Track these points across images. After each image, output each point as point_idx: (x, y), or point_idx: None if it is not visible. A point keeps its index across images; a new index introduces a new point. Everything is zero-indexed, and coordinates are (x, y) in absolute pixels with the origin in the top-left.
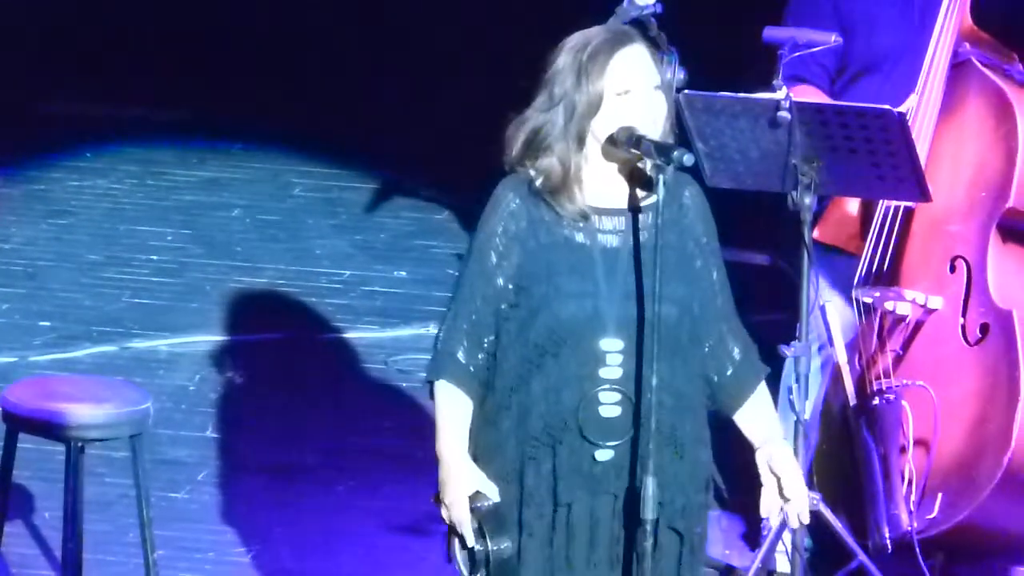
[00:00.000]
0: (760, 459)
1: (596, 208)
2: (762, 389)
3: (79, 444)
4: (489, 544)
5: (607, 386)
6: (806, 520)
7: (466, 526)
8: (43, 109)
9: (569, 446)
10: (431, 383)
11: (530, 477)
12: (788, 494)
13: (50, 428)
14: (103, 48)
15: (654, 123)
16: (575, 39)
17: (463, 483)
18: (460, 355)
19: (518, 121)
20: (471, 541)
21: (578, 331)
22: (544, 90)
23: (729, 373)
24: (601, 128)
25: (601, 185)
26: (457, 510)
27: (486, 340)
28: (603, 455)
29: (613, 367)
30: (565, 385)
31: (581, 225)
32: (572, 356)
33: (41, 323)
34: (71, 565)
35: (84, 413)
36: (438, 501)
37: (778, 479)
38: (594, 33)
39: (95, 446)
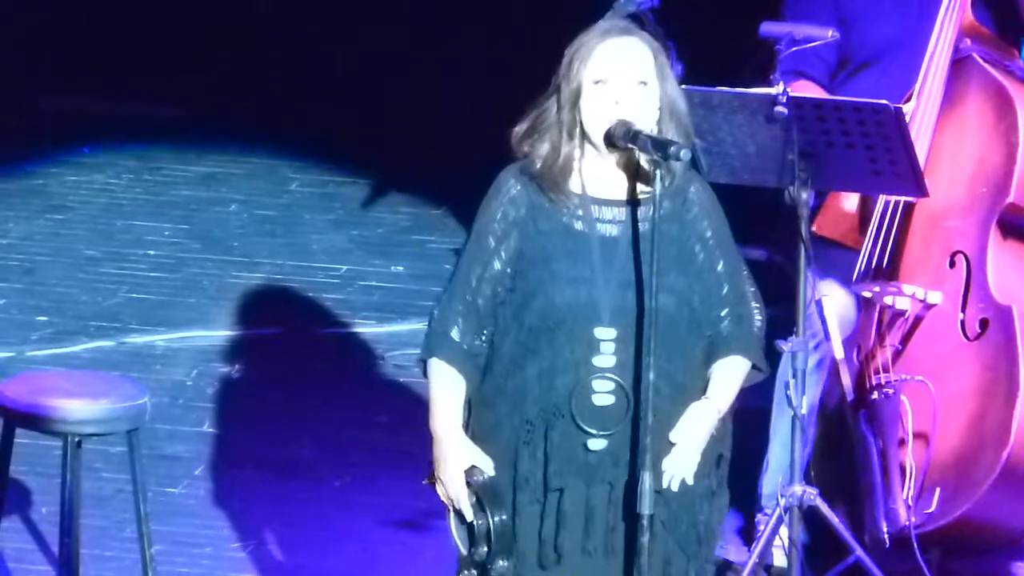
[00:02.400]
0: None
1: (596, 198)
2: (734, 362)
3: (76, 439)
4: (490, 517)
5: (600, 374)
6: (675, 486)
7: (464, 501)
8: (41, 105)
9: (561, 432)
10: (424, 362)
11: (524, 461)
12: (672, 451)
13: (47, 423)
14: (101, 44)
15: (633, 116)
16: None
17: (458, 458)
18: (454, 334)
19: (530, 108)
20: (470, 516)
21: (572, 317)
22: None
23: (712, 341)
24: (584, 117)
25: (601, 176)
26: (454, 486)
27: (482, 323)
28: (595, 444)
29: (607, 355)
30: (559, 371)
31: (580, 213)
32: (566, 342)
33: (38, 318)
34: (68, 560)
35: (81, 408)
36: (432, 481)
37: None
38: (596, 25)
39: (92, 441)
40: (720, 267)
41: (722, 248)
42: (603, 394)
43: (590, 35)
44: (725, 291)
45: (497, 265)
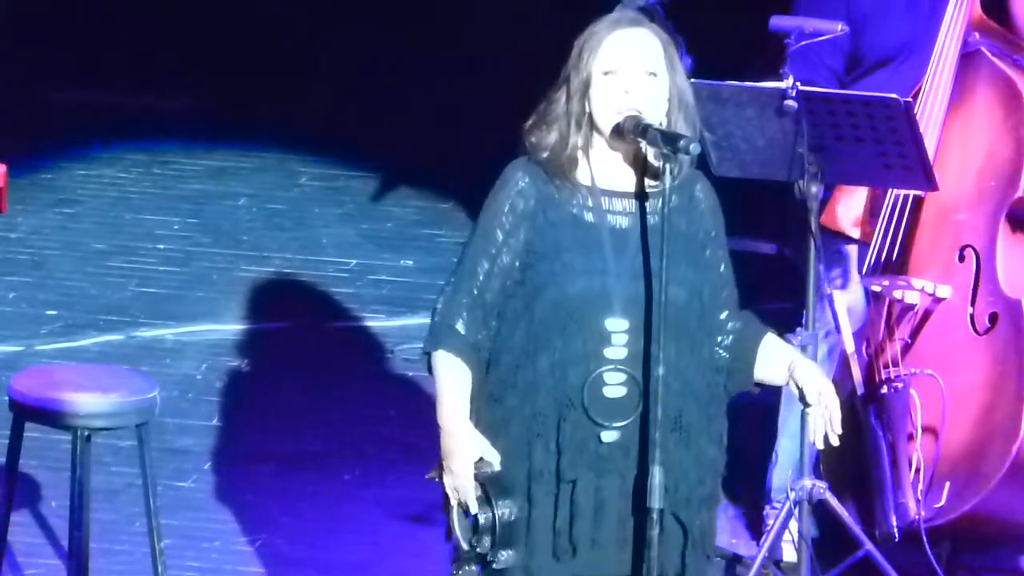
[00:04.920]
0: (791, 383)
1: (605, 189)
2: (770, 338)
3: (85, 433)
4: (495, 510)
5: (612, 366)
6: (836, 427)
7: (470, 493)
8: (50, 98)
9: (574, 423)
10: (428, 355)
11: (538, 453)
12: (811, 400)
13: (56, 417)
14: (109, 38)
15: (640, 107)
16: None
17: (467, 449)
18: (459, 327)
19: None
20: (475, 508)
21: (585, 308)
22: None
23: (731, 341)
24: (594, 107)
25: (610, 167)
26: (462, 477)
27: (488, 317)
28: (608, 436)
29: (618, 347)
30: (571, 363)
31: (590, 204)
32: (578, 333)
33: (48, 312)
34: (77, 554)
35: (90, 402)
36: (438, 473)
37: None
38: (606, 16)
39: (101, 435)
40: (723, 268)
41: (723, 248)
42: (615, 386)
43: (600, 26)
44: (726, 294)
45: (506, 258)
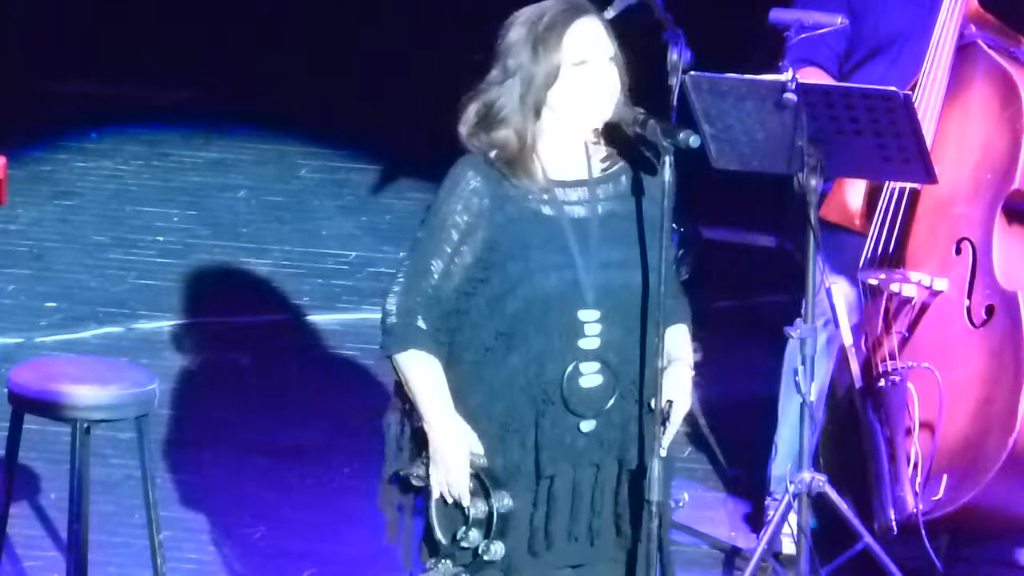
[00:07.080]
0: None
1: (558, 181)
2: (682, 329)
3: (85, 425)
4: (494, 500)
5: (586, 357)
6: (664, 445)
7: (464, 485)
8: (49, 90)
9: (552, 418)
10: (391, 357)
11: (515, 450)
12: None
13: (56, 409)
14: (108, 28)
15: (610, 95)
16: (528, 12)
17: (460, 441)
18: (420, 323)
19: (471, 96)
20: (467, 501)
21: (559, 302)
22: (497, 63)
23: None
24: (557, 99)
25: (560, 157)
26: (455, 469)
27: (443, 315)
28: (587, 426)
29: (591, 337)
30: (548, 357)
31: (545, 198)
32: (554, 327)
33: (47, 304)
34: (76, 546)
35: (90, 394)
36: (420, 469)
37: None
38: (548, 5)
39: (101, 427)
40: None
41: (665, 233)
42: (590, 375)
43: (551, 15)
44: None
45: (466, 258)
